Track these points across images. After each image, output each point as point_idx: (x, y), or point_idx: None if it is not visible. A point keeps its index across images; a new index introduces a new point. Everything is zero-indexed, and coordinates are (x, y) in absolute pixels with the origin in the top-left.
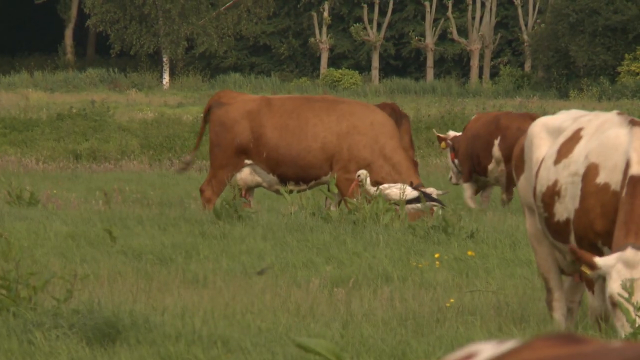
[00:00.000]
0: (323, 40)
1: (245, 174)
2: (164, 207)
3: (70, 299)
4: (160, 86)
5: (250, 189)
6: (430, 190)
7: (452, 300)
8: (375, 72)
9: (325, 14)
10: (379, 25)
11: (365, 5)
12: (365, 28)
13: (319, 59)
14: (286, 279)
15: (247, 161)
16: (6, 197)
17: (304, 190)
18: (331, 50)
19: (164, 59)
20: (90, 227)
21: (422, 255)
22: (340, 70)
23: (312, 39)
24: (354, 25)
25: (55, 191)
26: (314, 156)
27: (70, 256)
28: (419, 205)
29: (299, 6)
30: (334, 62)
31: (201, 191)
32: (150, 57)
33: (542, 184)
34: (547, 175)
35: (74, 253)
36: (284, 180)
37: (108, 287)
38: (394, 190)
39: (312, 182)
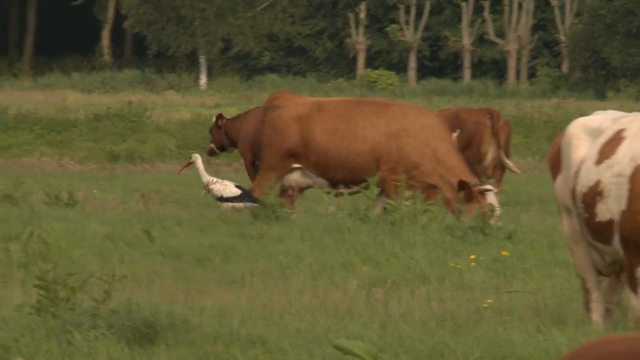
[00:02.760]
0: (359, 41)
1: (297, 175)
2: (202, 208)
3: (108, 300)
4: (197, 87)
5: (302, 189)
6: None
7: (489, 301)
8: (412, 73)
9: (362, 14)
10: (416, 26)
11: (402, 6)
12: (401, 29)
13: (354, 59)
14: (324, 279)
15: (296, 165)
16: (44, 198)
17: (355, 192)
18: (367, 51)
19: (201, 60)
20: (128, 228)
21: (459, 256)
22: (377, 71)
23: (349, 40)
24: (391, 26)
25: (94, 191)
26: (363, 159)
27: (109, 257)
28: (241, 204)
29: (335, 8)
30: (370, 63)
31: (251, 191)
32: (187, 57)
33: (583, 185)
34: (588, 175)
35: (112, 254)
36: (334, 183)
37: (146, 288)
38: (217, 186)
39: (363, 184)
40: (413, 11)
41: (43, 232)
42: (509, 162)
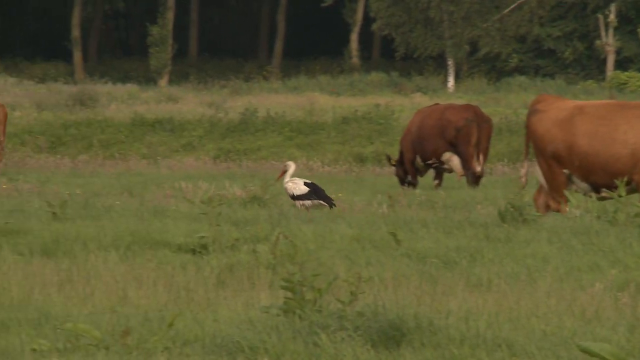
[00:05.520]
0: (609, 43)
1: None
2: (449, 210)
3: (355, 302)
4: (445, 89)
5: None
6: None
7: None
8: None
9: (612, 16)
10: None
11: None
12: None
13: (604, 61)
14: (571, 282)
15: (564, 170)
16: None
17: (607, 198)
18: (617, 52)
19: (449, 62)
20: (375, 230)
21: None
22: (627, 73)
23: (598, 42)
24: None
25: (340, 194)
26: (623, 163)
27: (355, 259)
28: (309, 201)
29: (586, 9)
30: (620, 65)
31: (534, 200)
32: (434, 60)
33: None
34: None
35: (359, 256)
36: (596, 187)
37: (392, 290)
38: (289, 184)
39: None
40: None
41: (291, 234)
42: None
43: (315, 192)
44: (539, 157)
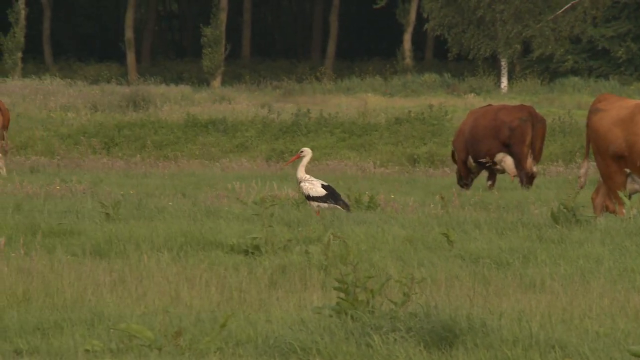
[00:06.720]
0: None
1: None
2: (502, 210)
3: (407, 303)
4: (498, 90)
5: (629, 195)
6: None
7: None
8: None
9: None
10: None
11: None
12: None
13: None
14: (624, 283)
15: (626, 170)
16: (346, 201)
17: None
18: None
19: (502, 63)
20: (428, 231)
21: None
22: None
23: None
24: None
25: (392, 195)
26: None
27: (408, 260)
28: (325, 204)
29: (639, 9)
30: None
31: (592, 199)
32: (487, 60)
33: None
34: None
35: (411, 257)
36: None
37: (445, 291)
38: (306, 185)
39: None
40: None
41: (343, 234)
42: None
43: (332, 195)
44: (598, 156)
